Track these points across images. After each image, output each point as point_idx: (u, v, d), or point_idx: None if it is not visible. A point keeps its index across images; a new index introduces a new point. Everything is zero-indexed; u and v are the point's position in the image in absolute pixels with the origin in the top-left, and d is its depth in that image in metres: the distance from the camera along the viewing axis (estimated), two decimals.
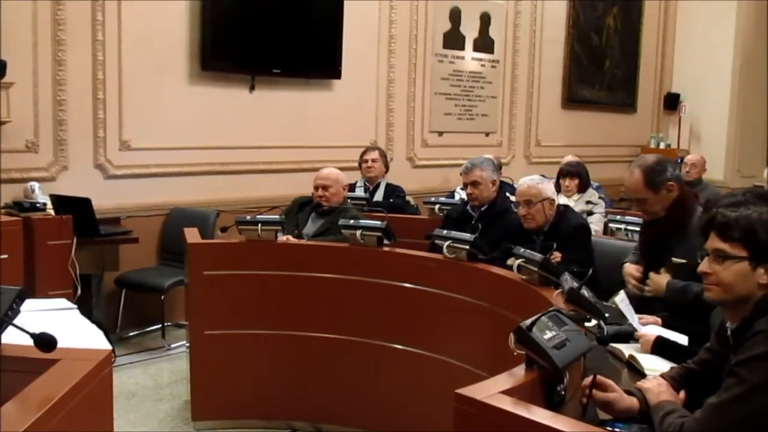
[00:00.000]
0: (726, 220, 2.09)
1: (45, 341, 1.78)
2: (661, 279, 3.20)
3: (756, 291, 2.04)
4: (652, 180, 3.32)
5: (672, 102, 10.03)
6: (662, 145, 9.79)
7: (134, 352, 5.37)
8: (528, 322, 2.11)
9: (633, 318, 2.98)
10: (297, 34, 6.40)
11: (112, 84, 5.55)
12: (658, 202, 3.34)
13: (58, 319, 2.86)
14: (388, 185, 6.19)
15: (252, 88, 6.27)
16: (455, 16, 7.69)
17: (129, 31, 5.58)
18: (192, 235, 4.33)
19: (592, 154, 8.52)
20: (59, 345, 1.80)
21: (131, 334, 5.69)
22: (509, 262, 3.44)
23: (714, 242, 2.11)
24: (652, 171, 3.34)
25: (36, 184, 5.20)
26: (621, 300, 3.08)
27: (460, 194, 5.80)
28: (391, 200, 5.99)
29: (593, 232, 4.96)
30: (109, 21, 5.49)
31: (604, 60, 9.38)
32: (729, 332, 2.11)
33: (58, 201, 5.06)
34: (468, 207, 4.77)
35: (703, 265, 2.13)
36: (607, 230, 5.16)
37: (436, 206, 5.45)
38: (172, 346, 5.47)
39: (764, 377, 1.89)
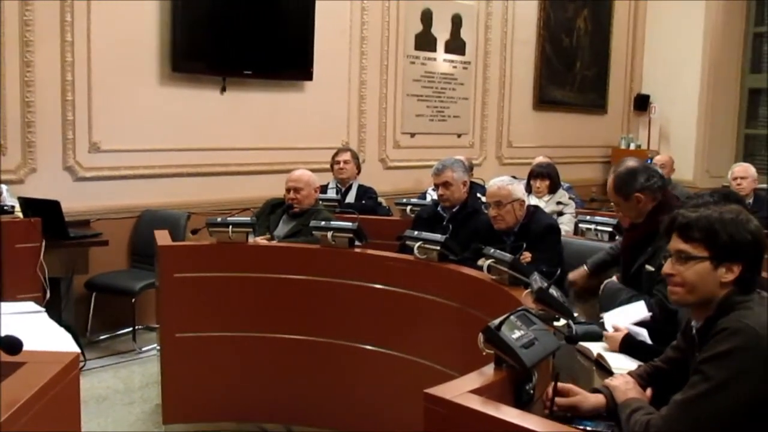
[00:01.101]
0: (686, 221, 2.13)
1: (10, 344, 1.77)
2: (616, 337, 2.87)
3: (719, 290, 2.07)
4: (620, 188, 3.38)
5: (642, 103, 10.12)
6: (632, 146, 9.88)
7: (105, 356, 5.33)
8: (497, 321, 2.13)
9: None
10: (269, 36, 6.38)
11: (81, 85, 5.50)
12: (630, 208, 3.38)
13: (26, 323, 2.84)
14: (360, 187, 6.19)
15: (223, 90, 6.25)
16: (427, 17, 7.71)
17: (98, 32, 5.54)
18: (162, 237, 4.31)
19: (563, 155, 8.59)
20: (25, 348, 1.78)
21: (102, 337, 5.64)
22: (480, 262, 3.45)
23: (676, 243, 2.14)
24: (620, 180, 3.39)
25: (4, 187, 5.13)
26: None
27: (432, 195, 5.82)
28: (363, 202, 5.99)
29: (563, 233, 5.01)
30: (78, 22, 5.45)
31: (574, 61, 9.44)
32: (694, 331, 2.14)
33: (27, 203, 5.00)
34: (439, 208, 4.79)
35: (667, 267, 2.16)
36: (577, 230, 5.20)
37: (408, 207, 5.46)
38: (143, 349, 5.43)
39: (728, 374, 1.92)
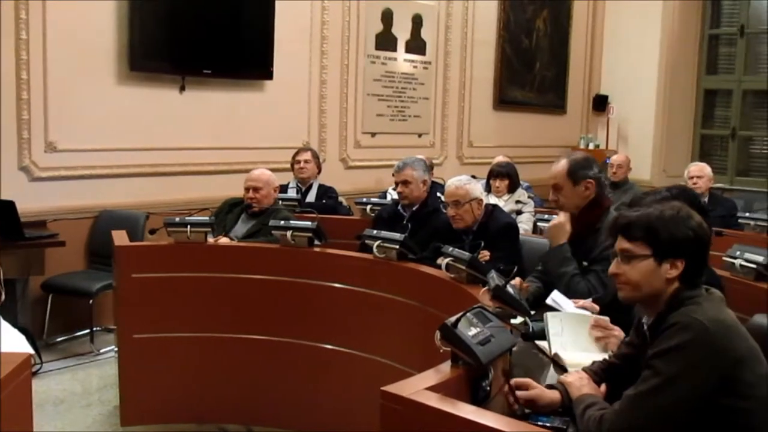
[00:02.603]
0: (628, 220, 2.17)
1: None
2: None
3: (665, 286, 2.11)
4: (574, 172, 3.41)
5: (600, 103, 10.23)
6: (591, 146, 9.97)
7: (62, 358, 5.25)
8: (453, 319, 2.14)
9: (569, 306, 3.02)
10: (228, 35, 6.35)
11: (36, 84, 5.42)
12: (574, 195, 3.42)
13: None
14: (320, 186, 6.18)
15: (182, 89, 6.20)
16: (387, 17, 7.72)
17: (54, 29, 5.46)
18: (120, 237, 4.27)
19: (523, 155, 8.64)
20: None
21: (59, 339, 5.57)
22: (438, 261, 3.47)
23: (620, 243, 2.19)
24: (577, 163, 3.44)
25: None
26: (555, 297, 3.12)
27: (392, 195, 5.83)
28: (324, 201, 5.98)
29: (523, 231, 5.05)
30: (33, 19, 5.36)
31: (534, 62, 9.51)
32: (645, 327, 2.18)
33: None
34: (399, 207, 4.80)
35: (613, 267, 2.21)
36: (536, 229, 5.25)
37: (368, 207, 5.47)
38: (101, 351, 5.37)
39: (678, 368, 1.95)
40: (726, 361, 1.94)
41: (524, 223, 5.59)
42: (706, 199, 6.32)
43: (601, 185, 3.44)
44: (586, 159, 3.51)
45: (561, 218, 3.48)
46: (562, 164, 3.47)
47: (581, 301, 3.08)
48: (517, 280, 3.25)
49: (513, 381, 2.22)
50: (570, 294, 3.16)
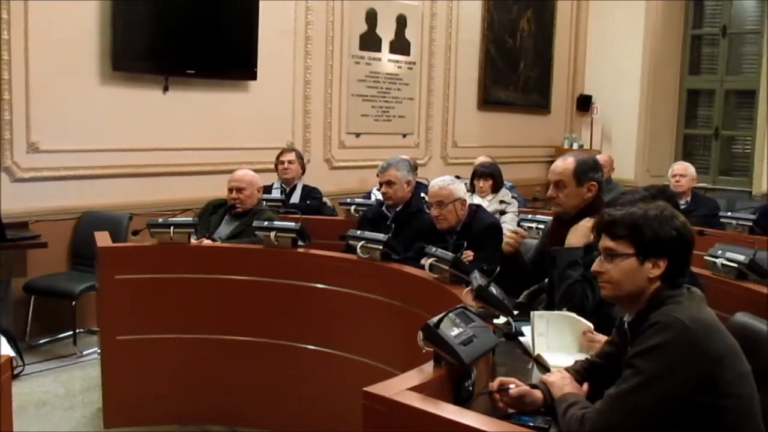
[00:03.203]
0: (612, 219, 2.18)
1: None
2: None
3: (646, 285, 2.13)
4: (582, 172, 3.37)
5: (584, 103, 10.26)
6: (575, 146, 9.99)
7: (44, 360, 5.22)
8: (435, 319, 2.14)
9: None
10: (212, 35, 6.33)
11: (18, 84, 5.38)
12: (575, 195, 3.37)
13: None
14: (304, 187, 6.17)
15: (165, 89, 6.17)
16: (371, 17, 7.71)
17: (36, 29, 5.42)
18: (102, 238, 4.25)
19: (507, 155, 8.67)
20: None
21: (41, 341, 5.53)
22: (422, 261, 3.47)
23: (604, 242, 2.20)
24: (585, 163, 3.40)
25: None
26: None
27: (377, 195, 5.83)
28: (308, 202, 5.97)
29: (506, 231, 5.06)
30: (15, 19, 5.32)
31: (518, 62, 9.53)
32: (626, 326, 2.19)
33: None
34: (383, 207, 4.81)
35: (596, 265, 2.22)
36: None
37: (352, 207, 5.47)
38: (84, 352, 5.34)
39: (659, 367, 1.96)
40: (706, 360, 1.96)
41: (508, 223, 5.60)
42: (688, 199, 6.36)
43: (601, 189, 3.43)
44: (594, 160, 3.48)
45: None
46: (570, 162, 3.41)
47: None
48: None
49: (498, 380, 2.23)
50: (562, 299, 3.14)
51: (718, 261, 3.59)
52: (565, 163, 3.43)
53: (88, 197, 5.78)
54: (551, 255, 3.37)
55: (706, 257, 3.67)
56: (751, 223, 5.25)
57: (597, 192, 3.39)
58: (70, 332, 5.49)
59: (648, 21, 9.83)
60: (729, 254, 3.59)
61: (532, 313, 2.90)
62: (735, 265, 3.52)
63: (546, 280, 3.53)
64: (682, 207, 6.12)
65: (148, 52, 5.98)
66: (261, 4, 6.58)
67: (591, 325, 2.83)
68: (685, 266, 2.17)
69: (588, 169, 3.39)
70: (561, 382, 2.26)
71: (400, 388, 1.96)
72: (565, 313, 2.95)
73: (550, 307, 3.29)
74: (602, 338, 2.75)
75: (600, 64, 10.25)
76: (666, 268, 2.12)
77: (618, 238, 2.16)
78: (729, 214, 5.67)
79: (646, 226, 2.12)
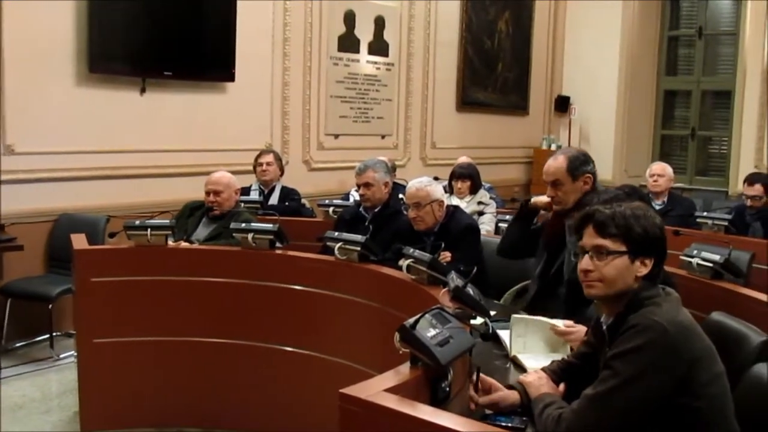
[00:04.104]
0: (602, 216, 2.17)
1: None
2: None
3: (633, 283, 2.13)
4: (574, 167, 3.43)
5: (562, 104, 10.31)
6: (554, 146, 10.02)
7: (21, 364, 5.18)
8: (411, 320, 2.14)
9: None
10: (189, 36, 6.31)
11: None
12: (573, 191, 3.42)
13: None
14: (283, 188, 6.16)
15: (143, 91, 6.14)
16: (349, 19, 7.71)
17: (11, 30, 5.37)
18: (79, 241, 4.22)
19: (486, 156, 8.70)
20: None
21: (18, 345, 5.48)
22: (399, 262, 3.47)
23: (593, 239, 2.18)
24: (576, 159, 3.46)
25: None
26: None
27: (355, 196, 5.83)
28: (287, 203, 5.97)
29: (485, 232, 5.09)
30: None
31: (496, 63, 9.56)
32: (604, 327, 2.19)
33: None
34: (361, 209, 4.81)
35: (584, 263, 2.19)
36: (498, 230, 5.27)
37: (330, 208, 5.47)
38: (61, 356, 5.30)
39: (637, 370, 1.97)
40: (683, 362, 1.97)
41: (486, 224, 5.62)
42: (665, 199, 6.41)
43: (596, 180, 3.49)
44: (584, 154, 3.55)
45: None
46: (561, 160, 3.47)
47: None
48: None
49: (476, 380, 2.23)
50: None
51: (694, 261, 3.62)
52: (556, 162, 3.48)
53: (65, 199, 5.74)
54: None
55: (681, 257, 3.70)
56: (726, 223, 5.29)
57: (592, 183, 3.45)
58: (47, 335, 5.45)
59: (625, 22, 9.90)
60: (704, 254, 3.61)
61: (512, 316, 2.92)
62: (710, 264, 3.55)
63: (537, 272, 3.56)
64: (659, 207, 6.18)
65: (124, 53, 5.94)
66: (239, 5, 6.56)
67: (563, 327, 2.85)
68: (662, 265, 2.19)
69: (580, 164, 3.45)
70: (538, 383, 2.27)
71: (377, 389, 1.95)
72: (542, 318, 2.95)
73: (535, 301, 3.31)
74: (579, 326, 2.78)
75: (578, 65, 10.31)
76: (651, 267, 2.13)
77: (610, 236, 2.15)
78: (705, 213, 5.71)
79: (636, 224, 2.13)
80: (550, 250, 3.54)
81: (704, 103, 10.07)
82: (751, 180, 5.83)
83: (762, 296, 3.28)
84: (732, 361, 2.28)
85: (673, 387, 1.97)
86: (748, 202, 5.79)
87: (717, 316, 2.95)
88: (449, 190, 6.05)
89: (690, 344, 2.00)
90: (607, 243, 2.15)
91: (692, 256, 3.65)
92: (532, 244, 3.72)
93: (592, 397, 2.03)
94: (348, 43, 7.74)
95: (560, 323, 2.90)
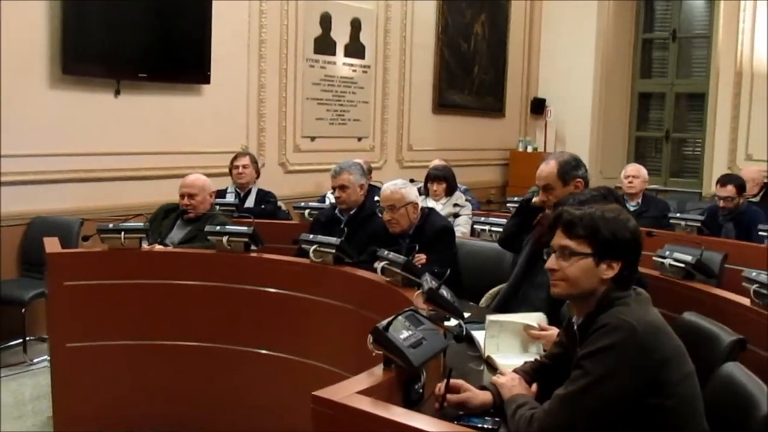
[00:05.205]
0: (571, 217, 2.19)
1: None
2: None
3: (599, 286, 2.14)
4: (565, 172, 3.47)
5: (538, 106, 10.37)
6: (530, 149, 10.10)
7: None
8: (384, 322, 2.15)
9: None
10: (164, 38, 6.27)
11: None
12: (564, 195, 3.41)
13: None
14: (259, 191, 6.14)
15: (117, 93, 6.09)
16: (326, 21, 7.71)
17: None
18: (52, 244, 4.18)
19: (462, 158, 8.73)
20: None
21: None
22: (375, 264, 3.48)
23: (560, 239, 2.20)
24: (567, 164, 3.50)
25: None
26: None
27: (331, 199, 5.82)
28: (263, 206, 5.95)
29: (460, 234, 5.10)
30: None
31: (472, 66, 9.59)
32: (575, 327, 2.21)
33: None
34: (336, 211, 4.80)
35: (550, 262, 2.22)
36: (474, 232, 5.29)
37: (306, 211, 5.46)
38: (35, 360, 5.24)
39: (607, 369, 1.99)
40: (653, 361, 1.99)
41: (462, 226, 5.64)
42: (640, 200, 6.46)
43: (587, 184, 3.52)
44: (575, 158, 3.57)
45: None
46: (552, 165, 3.51)
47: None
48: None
49: (443, 383, 2.23)
50: None
51: (666, 261, 3.65)
52: (548, 167, 3.52)
53: (38, 202, 5.68)
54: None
55: (654, 258, 3.73)
56: (699, 224, 5.34)
57: (584, 187, 3.47)
58: (20, 340, 5.39)
59: (600, 25, 9.98)
60: (676, 255, 3.65)
61: (486, 317, 2.93)
62: (682, 265, 3.58)
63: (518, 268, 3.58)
64: (634, 208, 6.23)
65: (99, 55, 5.89)
66: (214, 7, 6.53)
67: (536, 325, 2.87)
68: (635, 269, 2.20)
69: (570, 168, 3.49)
70: (510, 384, 2.28)
71: (350, 391, 1.96)
72: (516, 319, 2.97)
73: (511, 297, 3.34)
74: (552, 329, 2.79)
75: (553, 67, 10.37)
76: (619, 270, 2.14)
77: (576, 238, 2.16)
78: (678, 215, 5.76)
79: (604, 227, 2.14)
80: (537, 248, 3.55)
81: (678, 105, 10.18)
82: (723, 181, 5.88)
83: (733, 296, 3.32)
84: (703, 361, 2.30)
85: (643, 386, 1.98)
86: (721, 203, 5.84)
87: (689, 316, 2.98)
88: (425, 192, 6.06)
89: (659, 344, 2.01)
90: (572, 244, 2.17)
91: (665, 257, 3.68)
92: None
93: (563, 397, 2.04)
94: (324, 45, 7.74)
95: (535, 320, 2.92)
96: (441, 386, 2.20)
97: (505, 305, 3.51)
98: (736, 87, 8.97)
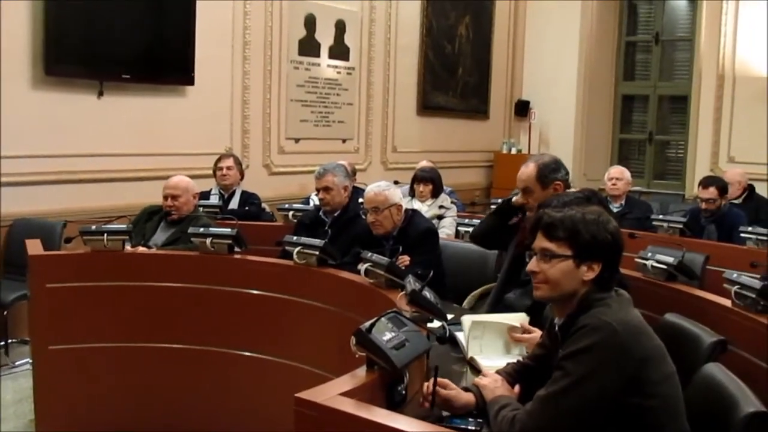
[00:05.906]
0: (551, 220, 2.20)
1: None
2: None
3: (580, 287, 2.16)
4: (544, 176, 3.48)
5: (522, 108, 10.39)
6: (514, 150, 10.13)
7: None
8: (367, 324, 2.15)
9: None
10: (148, 39, 6.24)
11: None
12: (543, 198, 3.43)
13: None
14: (243, 193, 6.13)
15: (100, 94, 6.06)
16: (310, 23, 7.70)
17: None
18: (34, 246, 4.15)
19: (447, 160, 8.72)
20: None
21: None
22: (359, 266, 3.48)
23: (541, 242, 2.21)
24: (546, 167, 3.50)
25: None
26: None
27: (315, 200, 5.82)
28: (247, 208, 5.94)
29: (445, 236, 5.12)
30: None
31: (457, 68, 9.60)
32: (557, 328, 2.22)
33: None
34: (321, 213, 4.80)
35: (531, 264, 2.23)
36: (459, 234, 5.30)
37: (290, 213, 5.45)
38: (16, 363, 5.21)
39: (587, 369, 2.00)
40: (633, 361, 2.00)
41: (447, 228, 5.65)
42: (623, 202, 6.50)
43: (568, 186, 3.53)
44: (554, 161, 3.57)
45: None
46: (531, 168, 3.51)
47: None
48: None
49: (430, 381, 2.24)
50: None
51: (648, 263, 3.67)
52: (527, 170, 3.53)
53: (20, 204, 5.63)
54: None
55: (636, 259, 3.75)
56: (681, 226, 5.37)
57: (563, 190, 3.47)
58: (2, 342, 5.34)
59: (583, 28, 10.02)
60: (659, 256, 3.67)
61: (465, 317, 2.94)
62: (664, 267, 3.60)
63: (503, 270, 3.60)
64: (617, 210, 6.26)
65: (82, 55, 5.85)
66: (198, 7, 6.51)
67: (518, 325, 2.88)
68: (616, 270, 2.21)
69: (549, 171, 3.50)
70: (493, 385, 2.29)
71: (332, 393, 1.96)
72: (499, 320, 2.97)
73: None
74: (535, 331, 2.80)
75: (537, 70, 10.41)
76: (599, 272, 2.15)
77: (557, 240, 2.17)
78: (661, 216, 5.79)
79: (585, 229, 2.15)
80: (520, 252, 3.56)
81: (661, 107, 10.24)
82: (705, 183, 5.91)
83: (715, 298, 3.34)
84: (684, 362, 2.32)
85: (624, 386, 2.00)
86: (703, 205, 5.87)
87: (670, 317, 3.00)
88: (411, 193, 6.07)
89: (640, 344, 2.03)
90: (552, 246, 2.18)
91: (647, 259, 3.70)
92: (503, 238, 3.76)
93: (544, 398, 2.05)
94: (308, 46, 7.73)
95: (517, 320, 2.94)
96: (429, 384, 2.21)
97: (491, 311, 3.51)
98: (718, 89, 9.03)
